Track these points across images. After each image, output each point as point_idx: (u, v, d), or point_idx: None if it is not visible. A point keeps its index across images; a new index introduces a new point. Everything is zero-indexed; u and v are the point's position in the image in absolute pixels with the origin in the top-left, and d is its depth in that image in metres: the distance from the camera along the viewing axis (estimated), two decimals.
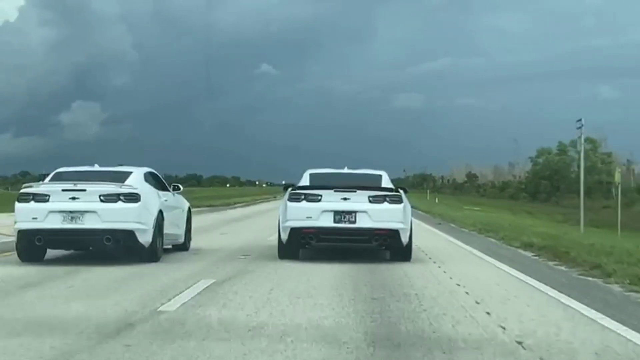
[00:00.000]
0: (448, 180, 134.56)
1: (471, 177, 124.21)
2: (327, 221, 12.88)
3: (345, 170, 14.62)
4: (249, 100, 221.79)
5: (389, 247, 13.28)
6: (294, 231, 12.99)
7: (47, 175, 13.59)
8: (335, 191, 13.03)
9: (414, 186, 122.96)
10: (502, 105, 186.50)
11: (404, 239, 13.02)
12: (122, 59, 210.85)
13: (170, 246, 14.43)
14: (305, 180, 13.90)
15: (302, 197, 13.11)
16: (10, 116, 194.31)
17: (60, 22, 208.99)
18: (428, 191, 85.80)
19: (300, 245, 13.24)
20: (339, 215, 12.91)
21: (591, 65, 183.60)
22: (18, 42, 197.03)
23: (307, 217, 12.92)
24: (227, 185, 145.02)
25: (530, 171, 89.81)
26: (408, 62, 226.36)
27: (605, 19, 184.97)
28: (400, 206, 13.08)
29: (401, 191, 13.47)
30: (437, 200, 63.36)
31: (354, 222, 12.89)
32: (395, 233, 12.88)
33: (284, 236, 13.16)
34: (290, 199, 13.17)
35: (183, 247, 14.98)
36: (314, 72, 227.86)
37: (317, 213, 12.90)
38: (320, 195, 13.03)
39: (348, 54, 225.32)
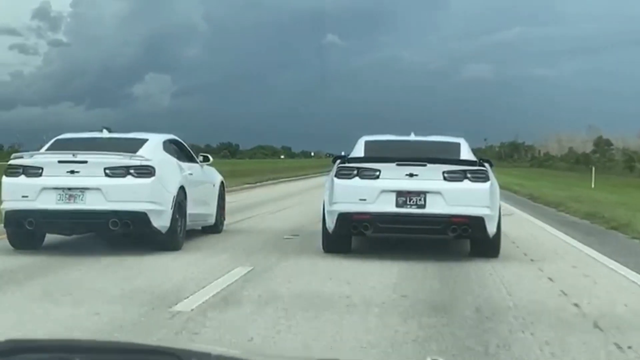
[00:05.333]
0: (541, 152, 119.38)
1: (602, 144, 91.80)
2: (388, 205, 9.66)
3: (412, 137, 11.17)
4: (316, 70, 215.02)
5: (470, 238, 10.07)
6: (343, 217, 9.78)
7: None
8: (398, 165, 9.79)
9: (503, 158, 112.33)
10: (586, 75, 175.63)
11: (491, 228, 9.74)
12: (194, 31, 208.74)
13: (199, 228, 12.16)
14: (359, 151, 10.64)
15: (355, 172, 9.89)
16: (84, 88, 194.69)
17: None
18: (593, 169, 40.29)
19: (351, 234, 10.11)
20: (403, 196, 9.67)
21: None
22: (91, 14, 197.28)
23: (361, 200, 9.72)
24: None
25: None
26: (480, 32, 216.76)
27: None
28: (487, 185, 9.79)
29: (487, 165, 10.16)
30: None
31: (424, 206, 9.64)
32: (479, 221, 9.59)
33: (330, 224, 9.99)
34: (339, 175, 9.96)
35: (214, 229, 12.56)
36: (382, 42, 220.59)
37: (374, 194, 9.69)
38: (379, 170, 9.81)
39: (419, 24, 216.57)
